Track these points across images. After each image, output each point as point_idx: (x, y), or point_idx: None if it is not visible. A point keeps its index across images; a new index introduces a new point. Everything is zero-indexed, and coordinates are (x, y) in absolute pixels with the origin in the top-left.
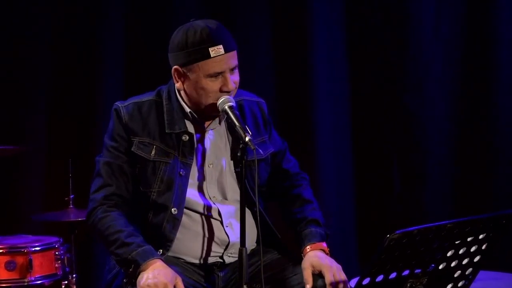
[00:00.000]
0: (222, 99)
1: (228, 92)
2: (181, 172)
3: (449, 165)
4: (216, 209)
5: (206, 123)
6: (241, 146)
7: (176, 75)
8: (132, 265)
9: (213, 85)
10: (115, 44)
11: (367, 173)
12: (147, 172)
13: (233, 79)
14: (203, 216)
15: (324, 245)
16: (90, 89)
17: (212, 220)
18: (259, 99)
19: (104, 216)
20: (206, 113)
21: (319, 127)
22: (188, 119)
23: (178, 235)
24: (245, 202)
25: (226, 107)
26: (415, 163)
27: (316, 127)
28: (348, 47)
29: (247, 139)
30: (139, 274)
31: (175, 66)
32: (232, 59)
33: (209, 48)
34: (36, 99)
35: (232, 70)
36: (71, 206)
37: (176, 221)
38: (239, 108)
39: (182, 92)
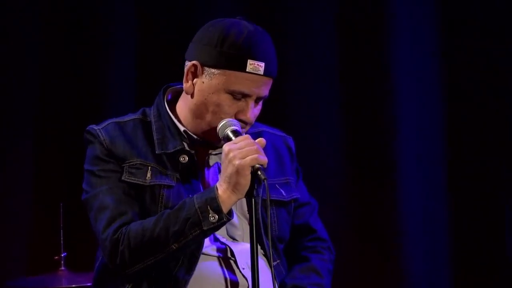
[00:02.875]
0: (223, 122)
1: (244, 123)
2: (190, 196)
3: None
4: (227, 250)
5: (210, 147)
6: (251, 170)
7: (190, 73)
8: (208, 206)
9: (230, 105)
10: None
11: (467, 218)
12: (146, 201)
13: (255, 112)
14: (214, 257)
15: None
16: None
17: (225, 261)
18: (285, 134)
19: (128, 230)
20: (204, 137)
21: (403, 157)
22: (184, 139)
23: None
24: (256, 251)
25: (229, 131)
26: None
27: (398, 156)
28: (442, 57)
29: (256, 166)
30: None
31: (195, 61)
32: (266, 86)
33: (249, 60)
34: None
35: (259, 100)
36: (63, 268)
37: (192, 263)
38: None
39: (180, 105)
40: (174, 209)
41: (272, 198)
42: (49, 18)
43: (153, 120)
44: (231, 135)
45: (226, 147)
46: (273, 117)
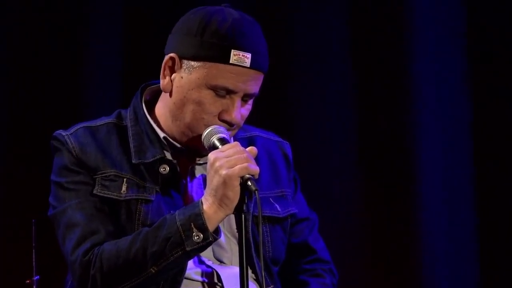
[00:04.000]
0: (209, 129)
1: (229, 125)
2: (171, 213)
3: None
4: (213, 274)
5: (195, 155)
6: (240, 181)
7: (167, 67)
8: (191, 224)
9: (212, 102)
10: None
11: (496, 232)
12: (121, 218)
13: (242, 112)
14: (198, 283)
15: None
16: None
17: (211, 287)
18: (281, 139)
19: (101, 252)
20: (186, 144)
21: (423, 163)
22: (165, 147)
23: None
24: (246, 275)
25: (215, 140)
26: None
27: (418, 162)
28: (470, 55)
29: (246, 176)
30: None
31: (172, 54)
32: (255, 82)
33: (233, 51)
34: None
35: (247, 97)
36: None
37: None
38: (249, 146)
39: (159, 107)
40: (153, 227)
41: (265, 214)
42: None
43: (129, 125)
44: (217, 143)
45: (211, 155)
46: (278, 120)
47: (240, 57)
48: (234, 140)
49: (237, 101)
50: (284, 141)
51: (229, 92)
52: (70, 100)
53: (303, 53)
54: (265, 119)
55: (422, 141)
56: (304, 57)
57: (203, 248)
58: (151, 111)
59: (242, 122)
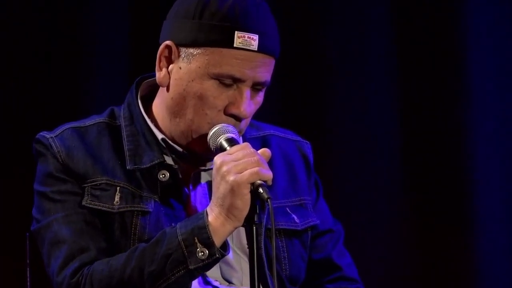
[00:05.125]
0: (215, 128)
1: (236, 119)
2: (172, 225)
3: None
4: None
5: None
6: (250, 188)
7: (163, 58)
8: (195, 238)
9: (217, 95)
10: None
11: None
12: (114, 233)
13: (251, 105)
14: None
15: None
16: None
17: None
18: (301, 139)
19: (91, 272)
20: (188, 146)
21: (482, 183)
22: (164, 151)
23: None
24: None
25: (222, 140)
26: None
27: (469, 166)
28: None
29: (257, 182)
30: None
31: (168, 42)
32: (265, 68)
33: (237, 32)
34: None
35: (257, 87)
36: None
37: None
38: (262, 147)
39: (156, 104)
40: (151, 242)
41: (280, 226)
42: None
43: (123, 124)
44: (225, 144)
45: (218, 159)
46: (312, 120)
47: (246, 40)
48: (244, 140)
49: (246, 91)
50: (304, 141)
51: (236, 81)
52: (72, 101)
53: (342, 49)
54: (302, 120)
55: (472, 141)
56: (343, 52)
57: (209, 266)
58: (148, 108)
59: (250, 115)
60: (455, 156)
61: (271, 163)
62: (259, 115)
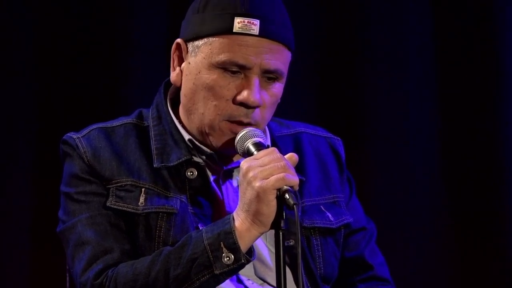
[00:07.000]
0: (243, 132)
1: (247, 108)
2: (199, 227)
3: None
4: None
5: (229, 159)
6: (277, 194)
7: (176, 57)
8: (221, 243)
9: (224, 85)
10: None
11: None
12: (138, 235)
13: (265, 96)
14: None
15: None
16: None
17: None
18: (332, 135)
19: (115, 274)
20: (213, 148)
21: None
22: (192, 152)
23: None
24: None
25: (249, 144)
26: None
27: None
28: None
29: (284, 188)
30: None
31: (178, 40)
32: (273, 54)
33: (236, 18)
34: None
35: (268, 75)
36: None
37: None
38: (294, 145)
39: (181, 106)
40: (176, 246)
41: (316, 224)
42: None
43: (151, 125)
44: (252, 149)
45: (244, 164)
46: (349, 121)
47: (246, 24)
48: (275, 138)
49: (254, 79)
50: (335, 137)
51: (242, 68)
52: (109, 103)
53: (381, 47)
54: (339, 118)
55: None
56: (382, 50)
57: (234, 271)
58: (176, 111)
59: (261, 103)
60: (494, 156)
61: (303, 161)
62: (297, 114)
